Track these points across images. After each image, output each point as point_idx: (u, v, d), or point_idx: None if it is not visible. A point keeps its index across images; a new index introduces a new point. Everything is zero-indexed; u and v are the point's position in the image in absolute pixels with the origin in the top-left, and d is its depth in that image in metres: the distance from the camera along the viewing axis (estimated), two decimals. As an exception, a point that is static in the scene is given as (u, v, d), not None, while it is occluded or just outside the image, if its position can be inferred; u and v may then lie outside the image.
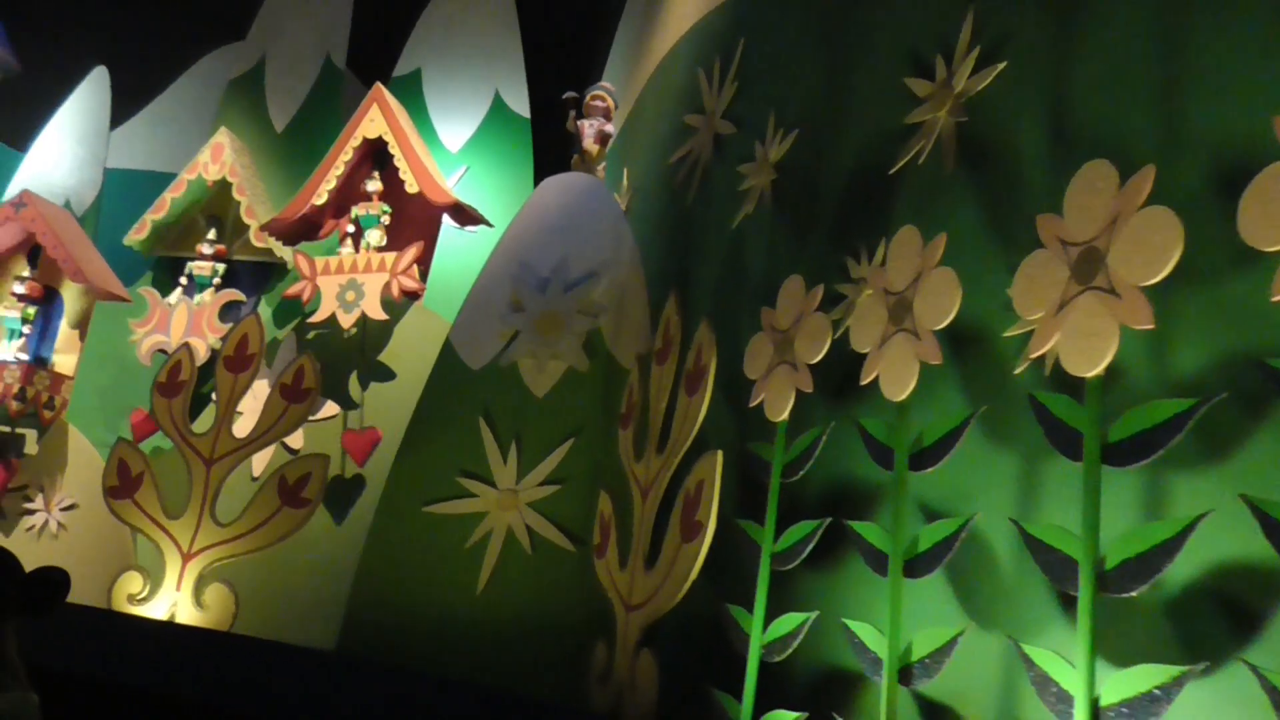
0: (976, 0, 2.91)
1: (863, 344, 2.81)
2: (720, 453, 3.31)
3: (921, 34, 3.20)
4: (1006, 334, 2.45)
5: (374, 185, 6.21)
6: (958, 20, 2.98)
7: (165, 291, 7.01)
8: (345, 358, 5.93)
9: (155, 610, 4.89)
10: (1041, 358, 2.29)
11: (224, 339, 5.46)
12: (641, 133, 5.59)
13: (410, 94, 7.03)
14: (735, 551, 3.14)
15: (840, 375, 3.01)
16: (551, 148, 6.50)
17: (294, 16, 7.78)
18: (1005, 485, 2.51)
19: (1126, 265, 2.06)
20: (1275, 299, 1.88)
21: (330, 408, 5.76)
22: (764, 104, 3.93)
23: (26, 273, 7.10)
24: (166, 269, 7.17)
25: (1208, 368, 2.11)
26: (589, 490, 4.27)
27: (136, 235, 7.07)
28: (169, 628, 4.75)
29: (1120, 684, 1.96)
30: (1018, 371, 2.39)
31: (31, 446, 6.81)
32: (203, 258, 6.97)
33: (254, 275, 7.00)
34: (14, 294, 7.01)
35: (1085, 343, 2.12)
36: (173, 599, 4.87)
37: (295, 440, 5.64)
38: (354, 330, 5.94)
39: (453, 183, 6.66)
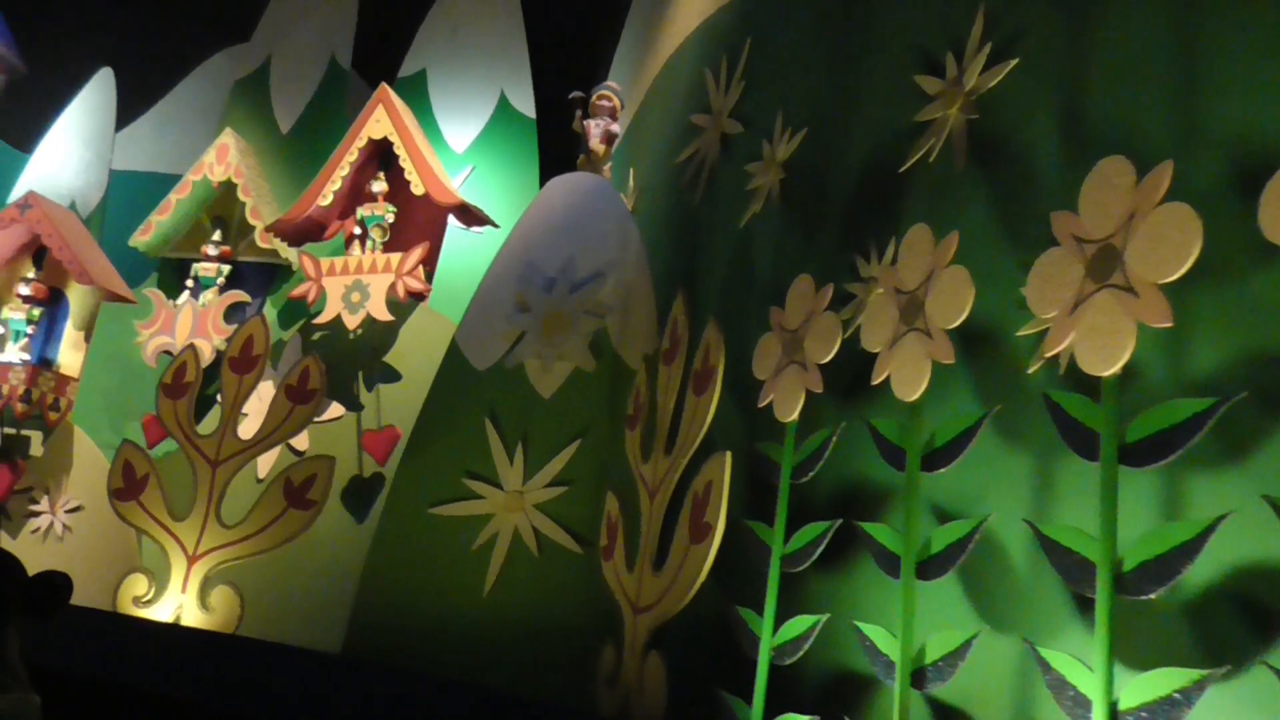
0: (988, -4, 2.88)
1: (873, 343, 2.78)
2: (729, 453, 3.28)
3: (931, 31, 3.17)
4: (1020, 333, 2.42)
5: (379, 186, 6.19)
6: (968, 17, 2.96)
7: (170, 293, 7.00)
8: (351, 359, 5.92)
9: (160, 612, 4.87)
10: (1056, 357, 2.26)
11: (229, 340, 5.44)
12: (648, 133, 5.56)
13: (415, 94, 7.02)
14: (744, 553, 3.11)
15: (850, 375, 2.98)
16: (557, 148, 6.48)
17: (299, 17, 7.77)
18: (1018, 486, 2.48)
19: (1144, 262, 2.03)
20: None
21: (335, 409, 5.75)
22: (771, 103, 3.91)
23: (32, 274, 7.10)
24: (172, 270, 7.16)
25: (1226, 366, 2.08)
26: (596, 491, 4.24)
27: (141, 236, 7.07)
28: (174, 630, 4.73)
29: (1139, 688, 1.93)
30: (1031, 371, 2.36)
31: (37, 448, 6.81)
32: (208, 259, 6.96)
33: (259, 276, 6.99)
34: (19, 295, 7.01)
35: (1101, 341, 2.10)
36: (178, 601, 4.85)
37: (301, 442, 5.63)
38: (359, 331, 5.92)
39: (458, 183, 6.65)
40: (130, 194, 7.94)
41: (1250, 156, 2.09)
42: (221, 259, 6.99)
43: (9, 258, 7.07)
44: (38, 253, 7.13)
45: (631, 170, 5.61)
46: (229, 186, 6.98)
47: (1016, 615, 2.37)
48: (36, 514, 6.29)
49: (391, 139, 6.10)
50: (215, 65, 8.59)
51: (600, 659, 3.83)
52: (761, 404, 3.17)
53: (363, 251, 6.10)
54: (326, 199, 6.11)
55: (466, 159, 7.00)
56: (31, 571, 2.25)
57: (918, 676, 2.44)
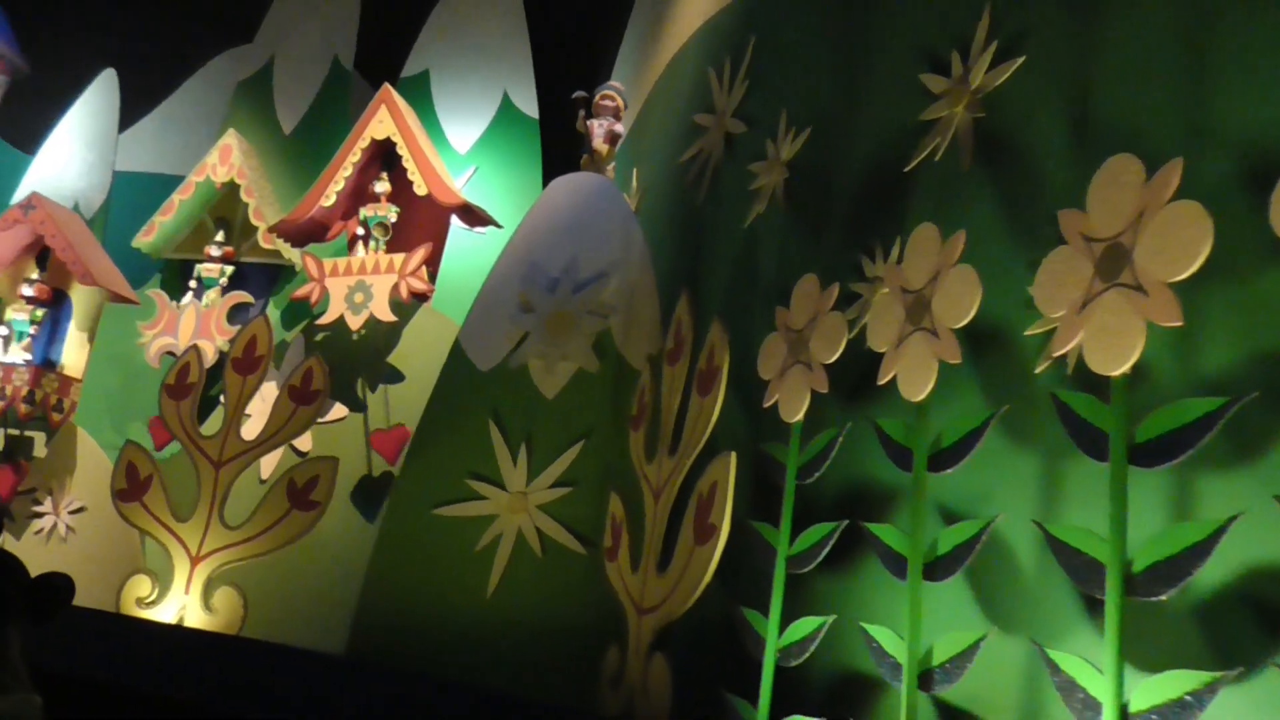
0: (994, -6, 2.87)
1: (880, 343, 2.76)
2: (734, 454, 3.26)
3: (936, 29, 3.16)
4: (1027, 332, 2.41)
5: (382, 186, 6.18)
6: (974, 15, 2.94)
7: (173, 294, 7.00)
8: (354, 360, 5.91)
9: (164, 613, 4.86)
10: (1064, 356, 2.24)
11: (232, 341, 5.44)
12: (651, 132, 5.55)
13: (418, 95, 7.01)
14: (749, 554, 3.09)
15: (856, 375, 2.96)
16: (560, 148, 6.48)
17: (302, 18, 7.78)
18: (1026, 487, 2.47)
19: (1154, 261, 2.02)
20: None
21: (339, 410, 5.74)
22: (775, 102, 3.90)
23: (35, 275, 7.10)
24: (175, 271, 7.16)
25: (1237, 365, 2.06)
26: (599, 492, 4.23)
27: (144, 238, 7.07)
28: (177, 631, 4.72)
29: (1150, 690, 1.92)
30: (1039, 370, 2.35)
31: (40, 449, 6.81)
32: (211, 260, 6.96)
33: (262, 277, 6.99)
34: (23, 296, 7.01)
35: (1110, 340, 2.08)
36: (181, 602, 4.84)
37: (304, 443, 5.62)
38: (362, 332, 5.92)
39: (461, 184, 6.64)
40: (133, 195, 7.94)
41: (1260, 154, 2.07)
42: (224, 260, 6.98)
43: (12, 259, 7.07)
44: (41, 254, 7.13)
45: (635, 170, 5.60)
46: (232, 187, 6.98)
47: (1024, 617, 2.36)
48: (40, 515, 6.28)
49: (394, 139, 6.09)
50: (218, 66, 8.60)
51: (604, 660, 3.81)
52: (766, 404, 3.15)
53: (366, 252, 6.09)
54: (329, 200, 6.10)
55: (469, 159, 7.00)
56: (34, 572, 2.24)
57: (925, 678, 2.43)
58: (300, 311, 6.30)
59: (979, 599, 2.47)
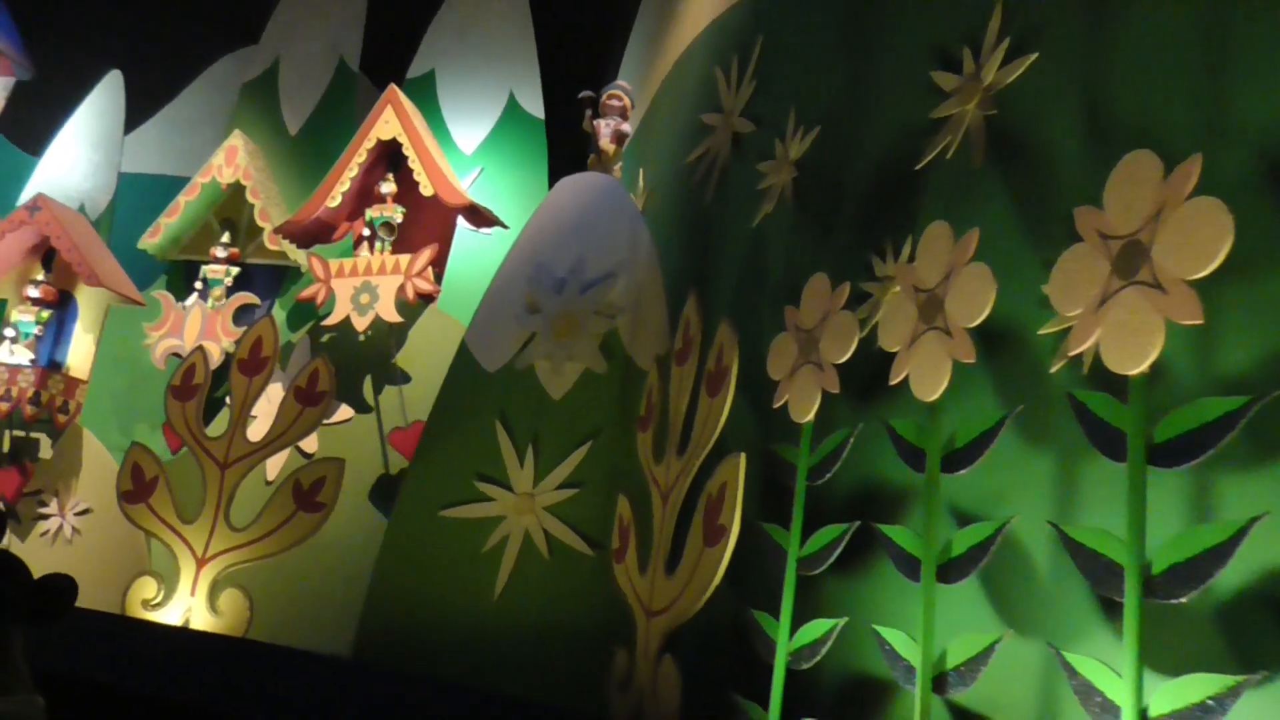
0: (1006, -10, 2.84)
1: (891, 343, 2.73)
2: (744, 455, 3.24)
3: (947, 26, 3.13)
4: (1041, 331, 2.38)
5: (388, 187, 6.17)
6: (985, 11, 2.91)
7: (179, 295, 7.00)
8: (360, 361, 5.90)
9: (169, 616, 4.85)
10: (1079, 355, 2.21)
11: (238, 342, 5.43)
12: (657, 133, 5.53)
13: (424, 96, 7.01)
14: (759, 556, 3.07)
15: (867, 375, 2.94)
16: (566, 149, 6.46)
17: (307, 19, 7.78)
18: (1041, 487, 2.43)
19: (1173, 258, 1.99)
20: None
21: (344, 411, 5.73)
22: (784, 101, 3.87)
23: (41, 276, 7.09)
24: (180, 272, 7.16)
25: (1258, 364, 2.03)
26: (607, 494, 4.21)
27: (150, 239, 7.07)
28: (183, 633, 4.71)
29: (1170, 694, 1.89)
30: (1053, 370, 2.32)
31: (46, 451, 6.80)
32: (216, 261, 6.95)
33: (268, 278, 6.98)
34: (28, 298, 7.01)
35: (1128, 339, 2.05)
36: (187, 604, 4.83)
37: (310, 444, 5.61)
38: (368, 333, 5.90)
39: (467, 184, 6.63)
40: (139, 196, 7.94)
41: (1280, 150, 2.04)
42: (230, 261, 6.98)
43: (18, 260, 7.07)
44: (46, 255, 7.13)
45: (641, 170, 5.58)
46: (237, 188, 6.98)
47: (1040, 619, 2.33)
48: (45, 517, 6.27)
49: (400, 140, 6.09)
50: (224, 68, 8.60)
51: (612, 663, 3.79)
52: (776, 404, 3.13)
53: (371, 253, 6.07)
54: (335, 200, 6.09)
55: (475, 160, 6.98)
56: (38, 574, 2.23)
57: (939, 681, 2.40)
58: (306, 312, 6.29)
59: (993, 601, 2.44)
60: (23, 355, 6.86)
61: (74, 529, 6.20)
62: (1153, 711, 1.91)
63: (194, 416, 5.17)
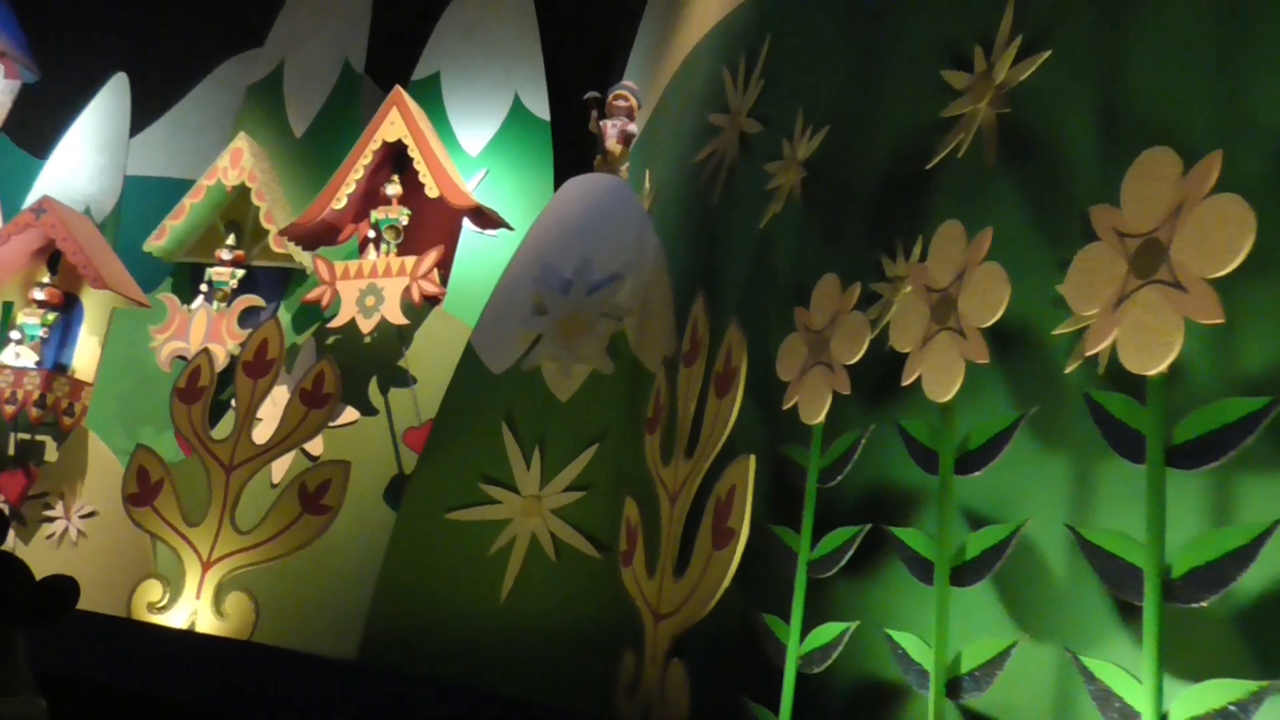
0: (1017, -12, 2.81)
1: (903, 343, 2.71)
2: (753, 457, 3.21)
3: (958, 24, 3.10)
4: (1056, 331, 2.35)
5: (393, 189, 6.16)
6: (997, 9, 2.89)
7: (184, 297, 6.99)
8: (365, 363, 5.88)
9: (175, 619, 4.83)
10: (1095, 356, 2.18)
11: (243, 345, 5.41)
12: (664, 133, 5.51)
13: (429, 97, 6.99)
14: (769, 559, 3.04)
15: (878, 376, 2.91)
16: (571, 150, 6.44)
17: (313, 22, 7.77)
18: (1055, 489, 2.40)
19: (1192, 256, 1.96)
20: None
21: (350, 413, 5.71)
22: (791, 101, 3.85)
23: (46, 279, 7.10)
24: (186, 275, 7.15)
25: (1278, 364, 2.00)
26: (614, 496, 4.18)
27: (156, 241, 7.06)
28: (189, 636, 4.69)
29: (1191, 699, 1.85)
30: (1069, 370, 2.29)
31: (51, 453, 6.79)
32: (222, 263, 6.94)
33: (273, 281, 6.97)
34: (34, 300, 7.01)
35: (1147, 339, 2.02)
36: (192, 607, 4.81)
37: (315, 447, 5.58)
38: (374, 335, 5.89)
39: (472, 186, 6.61)
40: (144, 199, 7.94)
41: (1301, 146, 2.01)
42: (235, 263, 6.97)
43: (24, 263, 7.07)
44: (52, 258, 7.13)
45: (648, 171, 5.56)
46: (243, 191, 6.97)
47: (1056, 623, 2.29)
48: (51, 519, 6.26)
49: (406, 142, 6.07)
50: (229, 70, 8.60)
51: (620, 666, 3.76)
52: (786, 406, 3.10)
53: (377, 255, 6.06)
54: (340, 202, 6.08)
55: (480, 162, 6.97)
56: (44, 576, 2.22)
57: (953, 686, 2.37)
58: (311, 315, 6.27)
59: (1008, 605, 2.41)
60: (28, 358, 6.86)
61: (79, 532, 6.19)
62: (1173, 717, 1.87)
63: (199, 419, 5.16)
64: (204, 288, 6.94)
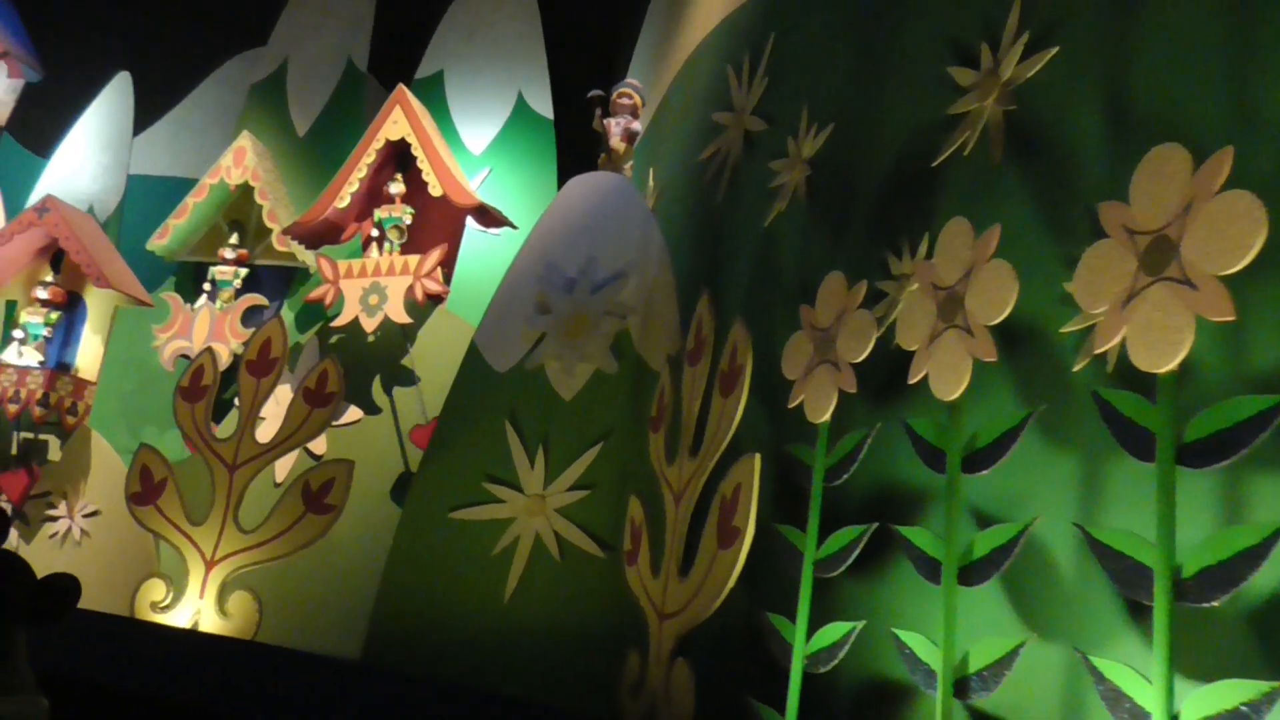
0: (1024, -17, 2.80)
1: (910, 341, 2.69)
2: (759, 455, 3.19)
3: (963, 21, 3.09)
4: (1064, 329, 2.33)
5: (397, 188, 6.15)
6: (1004, 5, 2.87)
7: (187, 296, 6.99)
8: (369, 362, 5.87)
9: (178, 618, 4.82)
10: (1104, 353, 2.17)
11: (246, 343, 5.40)
12: (668, 132, 5.50)
13: (433, 96, 6.99)
14: (774, 558, 3.02)
15: (884, 375, 2.89)
16: (575, 149, 6.43)
17: (316, 21, 7.76)
18: (1063, 488, 2.39)
19: (1203, 253, 1.94)
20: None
21: (354, 412, 5.70)
22: (796, 99, 3.83)
23: (50, 278, 7.10)
24: (189, 274, 7.15)
25: (1290, 362, 1.98)
26: (618, 495, 4.17)
27: (159, 240, 7.06)
28: (192, 636, 4.68)
29: (1202, 700, 1.84)
30: (1077, 368, 2.27)
31: (54, 452, 6.79)
32: (225, 262, 6.94)
33: (276, 279, 6.96)
34: (37, 299, 7.01)
35: (1157, 336, 2.00)
36: (196, 607, 4.80)
37: (318, 446, 5.58)
38: (378, 334, 5.88)
39: (476, 185, 6.60)
40: (147, 198, 7.94)
41: (1313, 142, 1.99)
42: (239, 262, 6.96)
43: (27, 262, 7.07)
44: (55, 256, 7.13)
45: (651, 170, 5.54)
46: (246, 190, 6.96)
47: (1064, 623, 2.28)
48: (54, 519, 6.26)
49: (409, 140, 6.06)
50: (232, 69, 8.60)
51: (624, 666, 3.75)
52: (792, 404, 3.08)
53: (380, 254, 6.05)
54: (344, 201, 6.08)
55: (484, 160, 6.96)
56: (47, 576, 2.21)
57: (961, 686, 2.35)
58: (315, 314, 6.27)
59: (1015, 604, 2.40)
60: (31, 357, 6.86)
61: (83, 531, 6.18)
62: (1184, 718, 1.86)
63: (202, 418, 5.15)
64: (207, 286, 6.94)
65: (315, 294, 6.09)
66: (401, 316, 5.78)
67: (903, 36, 3.41)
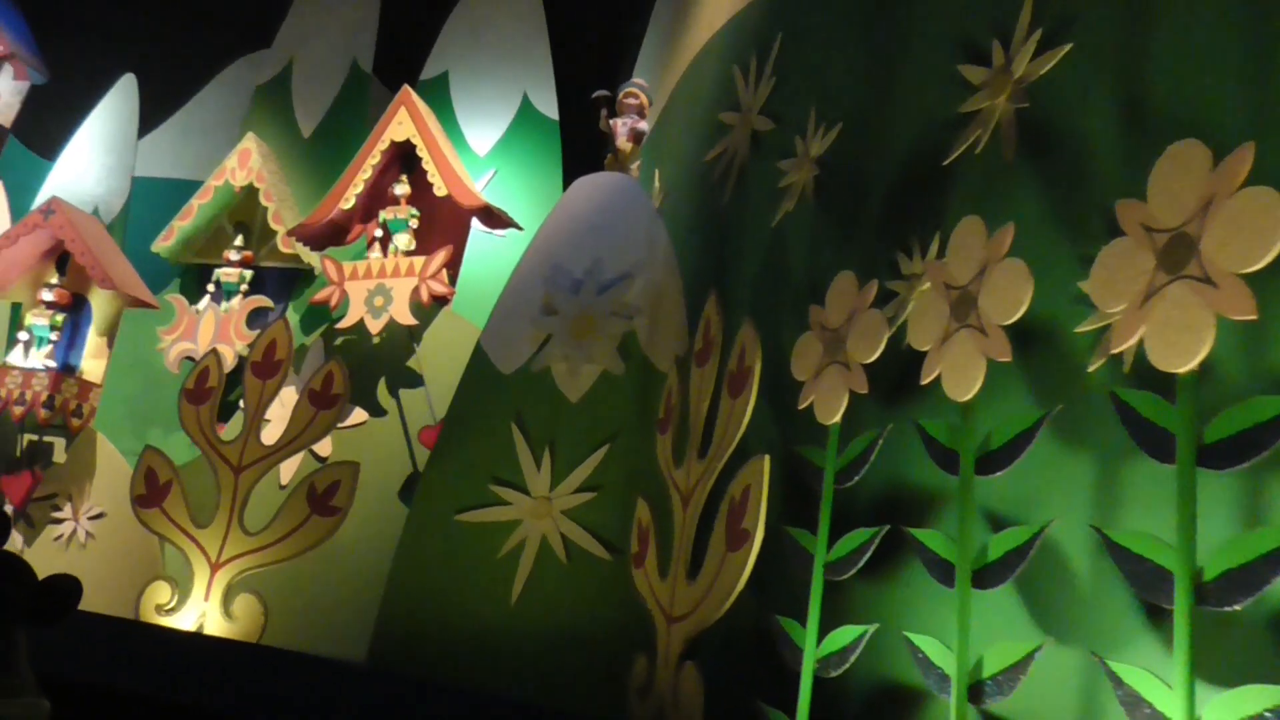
0: (1037, -21, 2.77)
1: (922, 341, 2.66)
2: (768, 457, 3.17)
3: (974, 18, 3.06)
4: (1079, 329, 2.30)
5: (402, 189, 6.14)
6: (1015, 2, 2.84)
7: (192, 298, 6.98)
8: (374, 363, 5.86)
9: (184, 621, 4.81)
10: (1120, 353, 2.14)
11: (251, 345, 5.39)
12: (674, 133, 5.47)
13: (438, 97, 6.98)
14: (784, 561, 2.99)
15: (895, 375, 2.86)
16: (580, 150, 6.42)
17: (320, 22, 7.76)
18: (1078, 490, 2.35)
19: (1224, 251, 1.91)
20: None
21: (359, 414, 5.69)
22: (804, 98, 3.80)
23: (55, 280, 7.09)
24: (194, 276, 7.14)
25: (1312, 362, 1.95)
26: (625, 497, 4.14)
27: (164, 242, 7.05)
28: (197, 638, 4.67)
29: (1225, 706, 1.80)
30: (1092, 368, 2.24)
31: (60, 455, 6.79)
32: (230, 264, 6.93)
33: (281, 281, 6.95)
34: (43, 301, 7.01)
35: (1177, 335, 1.97)
36: (201, 609, 4.79)
37: (324, 448, 5.56)
38: (383, 336, 5.87)
39: (481, 186, 6.58)
40: (152, 200, 7.94)
41: (1334, 138, 1.96)
42: (243, 264, 6.96)
43: (32, 264, 7.07)
44: (61, 259, 7.13)
45: (657, 170, 5.52)
46: (251, 191, 6.96)
47: (1080, 627, 2.24)
48: (59, 521, 6.25)
49: (414, 141, 6.05)
50: (237, 71, 8.60)
51: (632, 670, 3.72)
52: (802, 405, 3.05)
53: (385, 255, 6.04)
54: (349, 202, 6.06)
55: (489, 162, 6.94)
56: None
57: (975, 691, 2.32)
58: (320, 315, 6.25)
59: (1030, 608, 2.36)
60: (37, 359, 6.85)
61: (88, 533, 6.17)
62: (1206, 724, 1.83)
63: (208, 420, 5.14)
64: (210, 288, 6.92)
65: (320, 296, 6.08)
66: (407, 318, 5.77)
67: (912, 34, 3.38)
